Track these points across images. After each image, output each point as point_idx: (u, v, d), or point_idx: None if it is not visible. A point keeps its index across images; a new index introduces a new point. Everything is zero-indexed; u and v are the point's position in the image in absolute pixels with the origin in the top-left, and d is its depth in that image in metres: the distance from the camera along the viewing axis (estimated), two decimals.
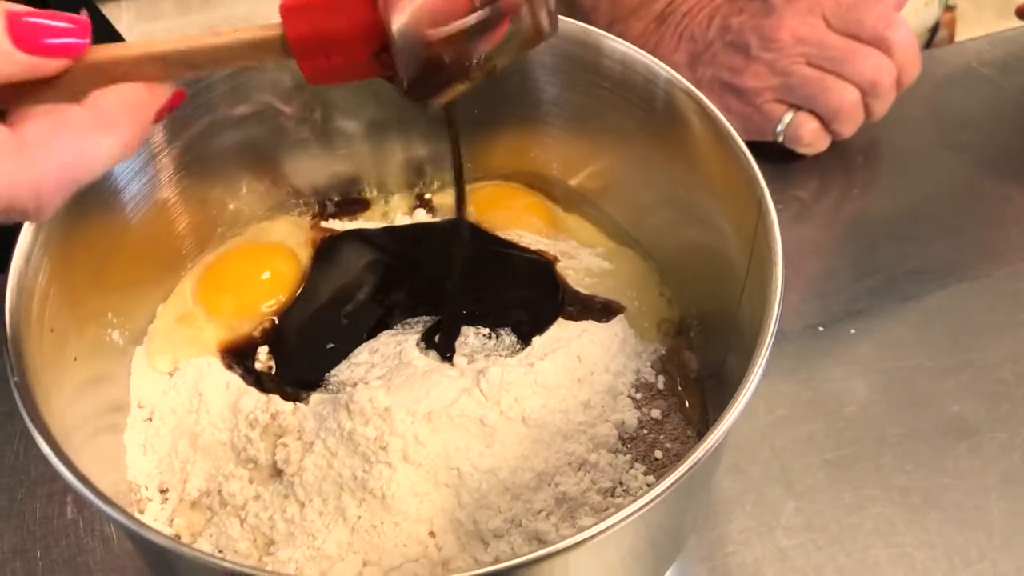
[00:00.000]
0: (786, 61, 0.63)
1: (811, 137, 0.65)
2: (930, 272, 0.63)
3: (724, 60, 0.65)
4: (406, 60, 0.35)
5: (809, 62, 0.63)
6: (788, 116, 0.65)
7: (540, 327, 0.52)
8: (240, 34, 0.35)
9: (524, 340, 0.51)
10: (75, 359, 0.44)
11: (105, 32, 0.81)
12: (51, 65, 0.32)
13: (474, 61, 0.36)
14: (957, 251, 0.65)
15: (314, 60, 0.35)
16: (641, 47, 0.48)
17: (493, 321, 0.52)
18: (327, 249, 0.56)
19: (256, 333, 0.53)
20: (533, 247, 0.56)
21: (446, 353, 0.50)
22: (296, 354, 0.52)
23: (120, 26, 0.82)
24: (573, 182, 0.57)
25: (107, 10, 0.78)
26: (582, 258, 0.55)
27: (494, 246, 0.56)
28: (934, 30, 0.89)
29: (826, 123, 0.65)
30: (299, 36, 0.35)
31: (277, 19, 0.35)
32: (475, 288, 0.53)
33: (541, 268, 0.55)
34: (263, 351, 0.52)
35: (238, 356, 0.51)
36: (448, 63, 0.36)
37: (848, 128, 0.65)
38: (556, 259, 0.55)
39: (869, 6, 0.63)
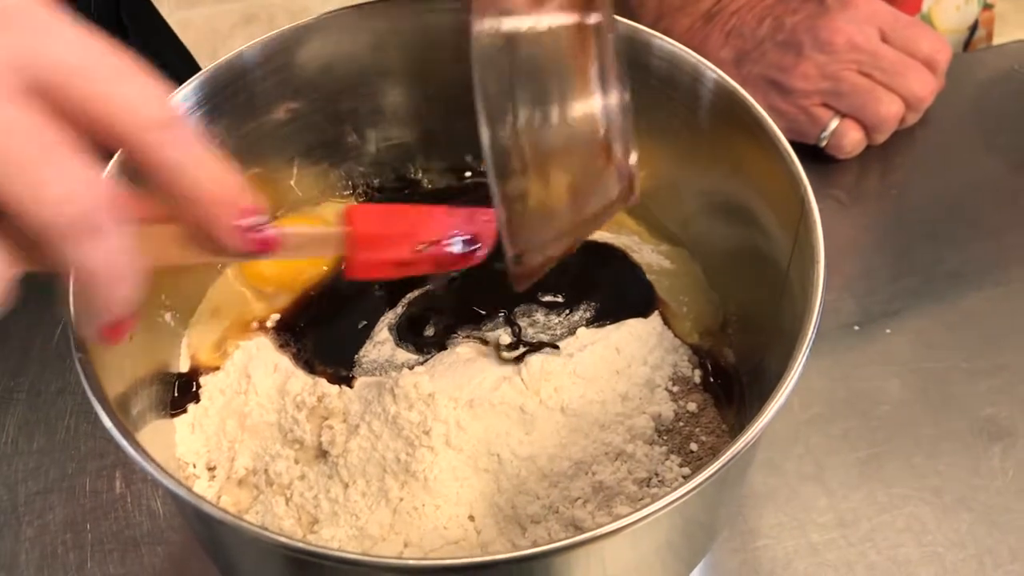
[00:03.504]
0: (837, 66, 0.64)
1: (852, 147, 0.67)
2: (967, 274, 0.64)
3: (774, 59, 0.66)
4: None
5: (860, 70, 0.64)
6: (834, 123, 0.66)
7: (626, 312, 0.52)
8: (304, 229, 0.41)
9: (600, 318, 0.52)
10: (130, 338, 0.45)
11: (150, 17, 0.83)
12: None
13: None
14: (995, 254, 0.65)
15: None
16: (687, 43, 0.48)
17: (572, 294, 0.53)
18: None
19: (296, 309, 0.54)
20: (599, 240, 0.56)
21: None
22: (329, 333, 0.53)
23: (161, 11, 0.83)
24: None
25: None
26: (644, 253, 0.56)
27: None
28: (973, 28, 0.89)
29: (868, 131, 0.67)
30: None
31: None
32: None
33: (621, 260, 0.55)
34: (303, 327, 0.53)
35: (288, 334, 0.52)
36: None
37: (884, 137, 0.68)
38: (625, 252, 0.56)
39: (926, 29, 0.65)
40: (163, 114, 0.32)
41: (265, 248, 0.36)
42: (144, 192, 0.35)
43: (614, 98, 0.37)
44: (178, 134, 0.32)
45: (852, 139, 0.66)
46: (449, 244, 0.41)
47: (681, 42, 0.48)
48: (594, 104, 0.37)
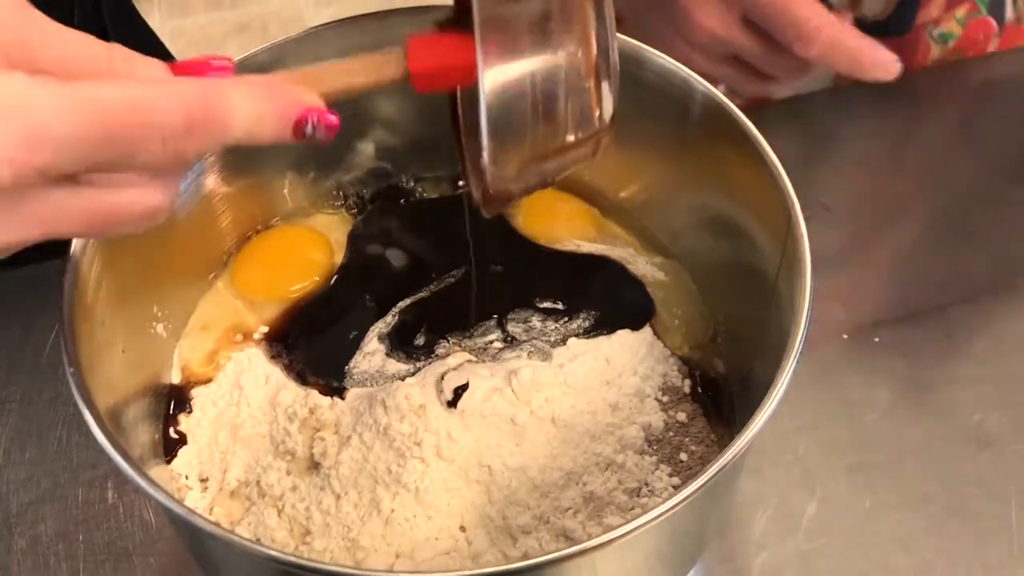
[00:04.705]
0: (703, 58, 0.64)
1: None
2: (956, 282, 0.64)
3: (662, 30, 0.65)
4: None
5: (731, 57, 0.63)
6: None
7: (624, 323, 0.53)
8: (364, 58, 0.37)
9: (598, 327, 0.53)
10: (123, 351, 0.46)
11: (140, 27, 0.82)
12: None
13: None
14: (983, 262, 0.65)
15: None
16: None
17: (570, 302, 0.53)
18: (359, 236, 0.58)
19: (287, 320, 0.54)
20: (596, 252, 0.56)
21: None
22: (320, 344, 0.53)
23: (152, 22, 0.83)
24: (609, 192, 0.58)
25: (139, 6, 0.80)
26: (638, 265, 0.56)
27: (563, 254, 0.57)
28: None
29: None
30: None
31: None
32: (550, 282, 0.55)
33: (620, 272, 0.56)
34: (295, 338, 0.53)
35: (279, 345, 0.52)
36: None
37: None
38: (623, 265, 0.56)
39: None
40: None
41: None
42: None
43: (606, 34, 0.37)
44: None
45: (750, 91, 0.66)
46: None
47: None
48: (589, 33, 0.36)
